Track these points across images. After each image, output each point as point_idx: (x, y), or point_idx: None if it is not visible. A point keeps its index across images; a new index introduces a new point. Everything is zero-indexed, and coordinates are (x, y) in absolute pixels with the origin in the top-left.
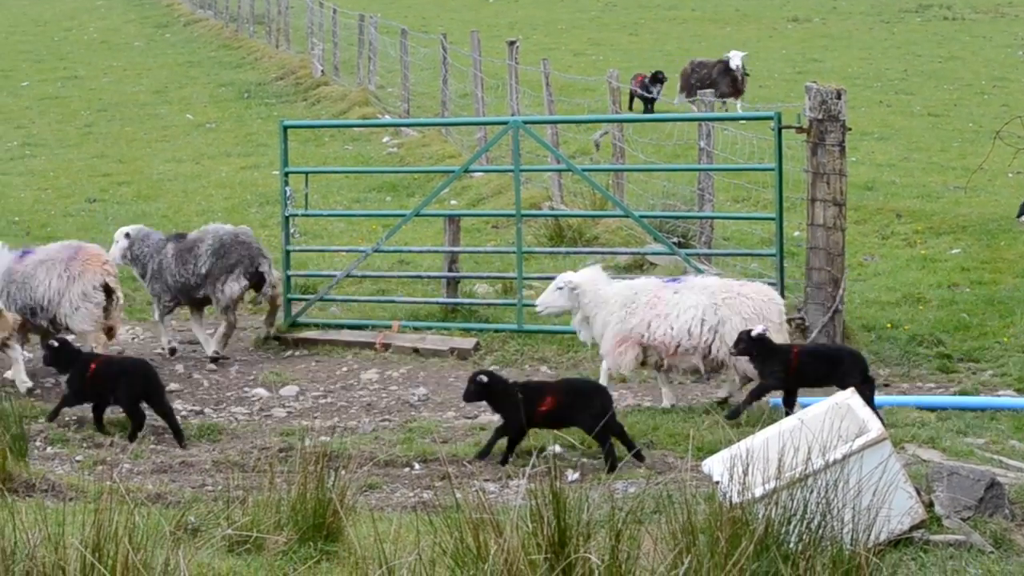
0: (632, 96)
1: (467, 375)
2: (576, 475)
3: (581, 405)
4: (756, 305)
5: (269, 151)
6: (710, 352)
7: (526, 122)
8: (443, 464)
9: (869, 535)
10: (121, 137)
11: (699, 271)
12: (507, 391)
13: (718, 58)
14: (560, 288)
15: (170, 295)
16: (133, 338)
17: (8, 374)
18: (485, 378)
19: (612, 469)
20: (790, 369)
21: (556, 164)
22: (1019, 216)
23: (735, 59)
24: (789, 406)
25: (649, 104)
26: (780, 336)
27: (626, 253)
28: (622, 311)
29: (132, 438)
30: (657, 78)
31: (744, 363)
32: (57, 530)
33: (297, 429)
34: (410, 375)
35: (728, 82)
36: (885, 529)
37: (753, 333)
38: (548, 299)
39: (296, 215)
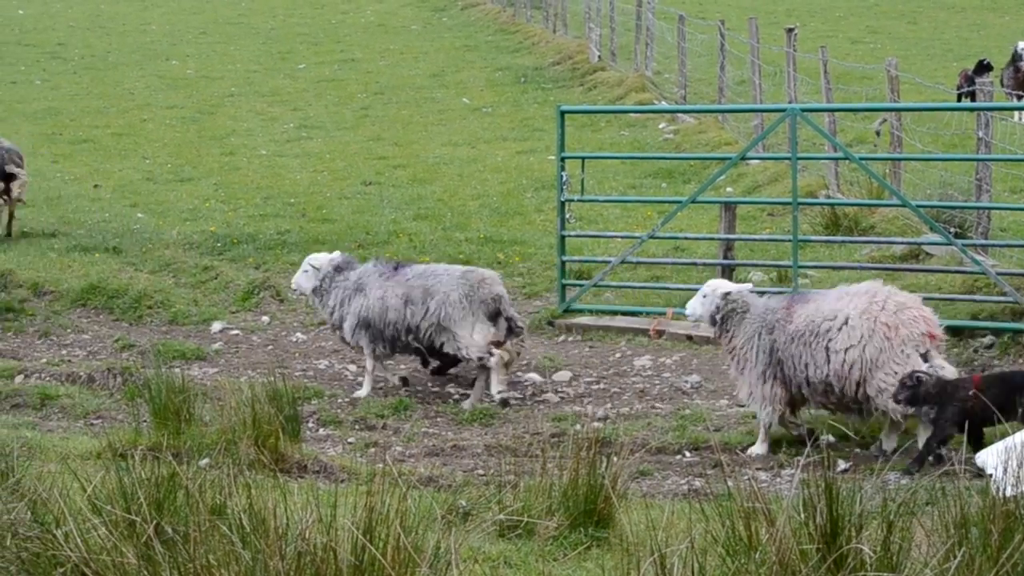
0: (959, 96)
1: None
2: (847, 465)
3: None
4: None
5: (545, 136)
6: None
7: (804, 110)
8: (715, 452)
9: None
10: (397, 120)
11: (975, 262)
12: None
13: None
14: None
15: None
16: None
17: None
18: None
19: None
20: None
21: (833, 152)
22: None
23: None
24: None
25: (971, 97)
26: None
27: (902, 243)
28: None
29: None
30: (983, 66)
31: None
32: (329, 512)
33: (570, 415)
34: (683, 362)
35: (1011, 74)
36: None
37: None
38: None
39: (572, 200)
